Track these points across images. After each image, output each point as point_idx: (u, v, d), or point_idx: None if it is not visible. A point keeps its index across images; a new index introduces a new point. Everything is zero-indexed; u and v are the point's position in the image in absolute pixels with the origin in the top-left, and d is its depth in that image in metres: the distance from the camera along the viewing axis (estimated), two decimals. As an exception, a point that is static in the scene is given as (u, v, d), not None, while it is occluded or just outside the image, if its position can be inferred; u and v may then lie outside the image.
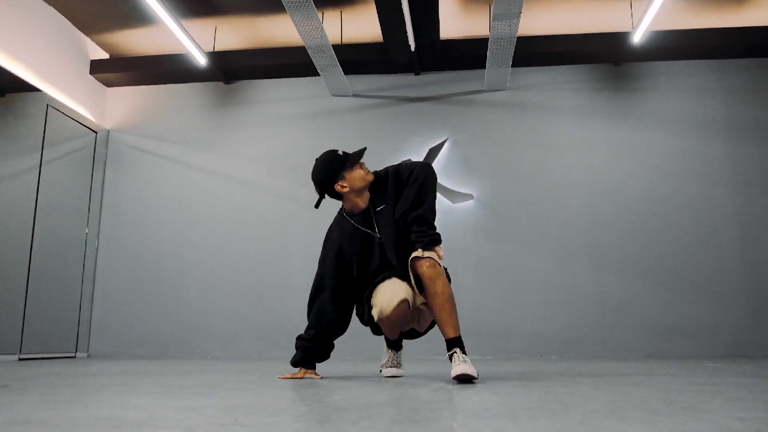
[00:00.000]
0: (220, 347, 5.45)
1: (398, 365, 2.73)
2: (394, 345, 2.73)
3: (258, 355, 5.35)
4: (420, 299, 2.38)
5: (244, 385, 2.01)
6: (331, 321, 2.52)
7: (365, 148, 2.53)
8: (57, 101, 5.32)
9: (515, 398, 1.53)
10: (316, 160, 2.56)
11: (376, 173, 2.55)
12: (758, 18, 5.34)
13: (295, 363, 2.54)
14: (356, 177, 2.47)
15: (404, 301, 2.31)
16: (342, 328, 2.56)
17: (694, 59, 5.61)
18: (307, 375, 2.51)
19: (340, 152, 2.51)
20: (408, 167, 2.46)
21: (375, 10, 4.90)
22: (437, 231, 2.35)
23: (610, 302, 5.25)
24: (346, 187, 2.48)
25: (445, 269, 2.39)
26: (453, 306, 2.28)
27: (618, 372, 2.86)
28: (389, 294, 2.32)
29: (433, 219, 2.36)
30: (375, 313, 2.35)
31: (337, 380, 2.38)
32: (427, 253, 2.29)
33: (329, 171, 2.48)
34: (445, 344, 2.25)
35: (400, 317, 2.36)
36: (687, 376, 2.48)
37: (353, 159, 2.48)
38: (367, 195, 2.52)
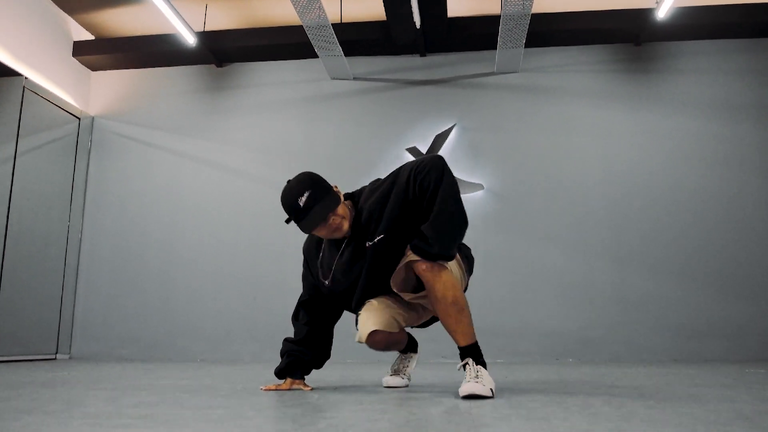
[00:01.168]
0: (211, 348, 5.07)
1: (402, 372, 2.35)
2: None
3: (251, 358, 4.97)
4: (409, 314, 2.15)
5: (214, 404, 1.64)
6: (323, 317, 2.14)
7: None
8: (35, 84, 4.95)
9: (554, 424, 1.14)
10: (289, 182, 2.05)
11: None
12: (793, -8, 4.92)
13: (279, 372, 2.16)
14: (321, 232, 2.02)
15: (375, 332, 2.01)
16: (334, 320, 2.26)
17: (721, 38, 5.19)
18: (295, 386, 2.13)
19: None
20: (408, 172, 1.91)
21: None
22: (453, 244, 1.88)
23: (632, 299, 4.84)
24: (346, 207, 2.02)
25: (466, 258, 2.04)
26: (460, 310, 1.88)
27: (656, 380, 2.47)
28: (362, 322, 2.05)
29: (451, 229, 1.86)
30: (357, 338, 2.08)
31: (329, 393, 2.00)
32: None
33: (321, 181, 2.03)
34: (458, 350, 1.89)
35: (379, 345, 2.09)
36: (743, 385, 2.08)
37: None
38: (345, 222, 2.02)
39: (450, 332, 1.91)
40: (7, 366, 3.86)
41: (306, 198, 1.92)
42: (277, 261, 5.18)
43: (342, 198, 2.03)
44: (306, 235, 2.24)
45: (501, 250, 5.01)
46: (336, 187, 2.06)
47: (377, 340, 2.05)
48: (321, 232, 2.00)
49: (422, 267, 1.85)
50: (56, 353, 5.08)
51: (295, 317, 2.25)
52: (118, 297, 5.29)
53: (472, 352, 1.87)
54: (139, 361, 4.79)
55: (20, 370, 3.35)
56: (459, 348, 1.90)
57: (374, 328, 2.00)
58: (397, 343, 2.27)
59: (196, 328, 5.15)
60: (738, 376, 2.72)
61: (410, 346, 2.46)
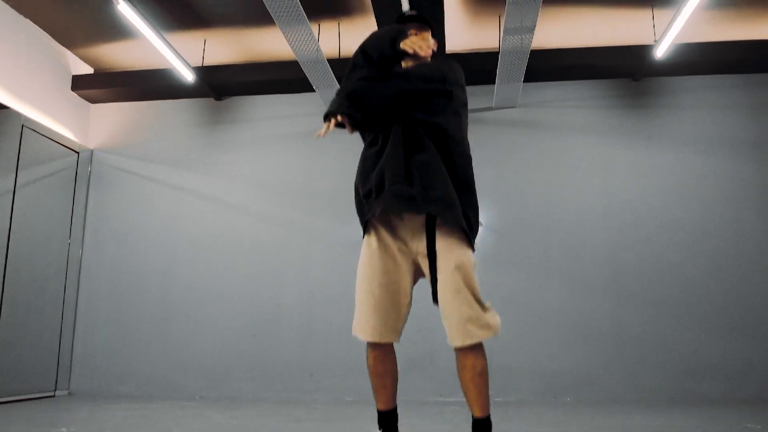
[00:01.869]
0: (209, 386, 5.07)
1: None
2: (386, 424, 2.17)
3: (250, 395, 4.97)
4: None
5: None
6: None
7: (411, 15, 2.25)
8: (33, 121, 4.96)
9: None
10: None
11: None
12: (792, 29, 4.92)
13: (325, 115, 2.07)
14: (405, 43, 2.04)
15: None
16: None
17: (720, 74, 5.19)
18: (339, 122, 2.03)
19: (403, 16, 2.27)
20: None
21: (374, 21, 4.53)
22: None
23: (631, 338, 4.84)
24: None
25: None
26: (485, 381, 1.98)
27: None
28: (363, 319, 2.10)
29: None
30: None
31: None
32: (468, 340, 1.97)
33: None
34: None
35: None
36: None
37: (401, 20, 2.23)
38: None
39: (468, 399, 1.98)
40: (7, 407, 3.85)
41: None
42: (275, 297, 5.19)
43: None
44: None
45: (499, 287, 5.00)
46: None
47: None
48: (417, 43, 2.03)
49: (466, 358, 1.96)
50: (55, 390, 5.08)
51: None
52: (117, 332, 5.29)
53: (485, 427, 1.94)
54: (135, 398, 4.79)
55: (21, 413, 3.34)
56: (474, 418, 1.96)
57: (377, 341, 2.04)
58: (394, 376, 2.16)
59: (195, 364, 5.15)
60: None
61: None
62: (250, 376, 5.06)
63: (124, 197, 5.57)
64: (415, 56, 2.03)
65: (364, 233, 2.16)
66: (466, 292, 1.98)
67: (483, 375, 1.98)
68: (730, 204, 4.98)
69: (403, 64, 2.19)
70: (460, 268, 1.99)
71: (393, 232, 2.10)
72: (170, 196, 5.52)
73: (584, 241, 5.03)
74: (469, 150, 2.15)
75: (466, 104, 2.22)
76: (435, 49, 2.16)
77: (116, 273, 5.42)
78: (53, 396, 5.01)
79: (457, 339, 1.97)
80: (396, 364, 2.15)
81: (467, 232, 2.05)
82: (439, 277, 2.00)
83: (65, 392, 5.18)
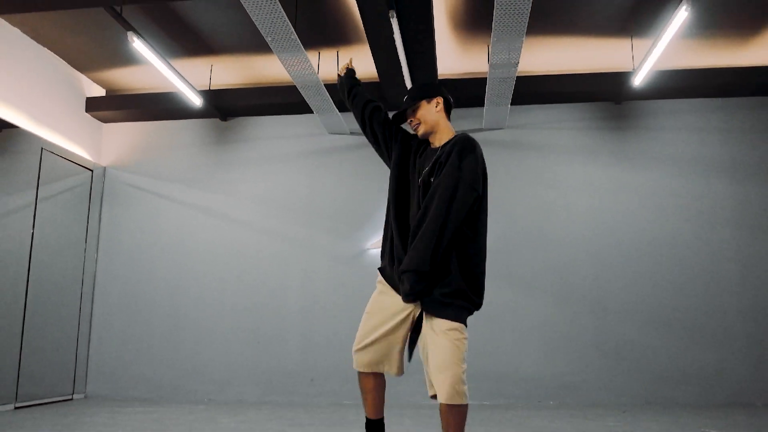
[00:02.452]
0: (217, 390, 5.43)
1: None
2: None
3: (255, 399, 5.32)
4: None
5: None
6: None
7: (397, 112, 2.38)
8: (51, 144, 5.29)
9: None
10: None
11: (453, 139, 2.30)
12: (761, 57, 5.24)
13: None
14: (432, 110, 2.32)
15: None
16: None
17: (697, 98, 5.52)
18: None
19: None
20: (451, 163, 2.13)
21: (369, 50, 4.83)
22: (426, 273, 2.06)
23: (610, 347, 5.19)
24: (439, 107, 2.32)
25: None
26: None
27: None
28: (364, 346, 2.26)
29: (414, 265, 2.04)
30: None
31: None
32: (449, 400, 2.07)
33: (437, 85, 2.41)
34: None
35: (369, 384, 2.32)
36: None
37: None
38: (435, 140, 2.32)
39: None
40: (30, 410, 4.20)
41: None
42: (278, 307, 5.53)
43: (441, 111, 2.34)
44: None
45: (488, 298, 5.32)
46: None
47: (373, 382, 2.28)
48: (409, 120, 2.36)
49: (445, 413, 2.09)
50: (72, 394, 5.43)
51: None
52: (129, 340, 5.64)
53: None
54: (146, 401, 5.14)
55: (58, 416, 3.68)
56: None
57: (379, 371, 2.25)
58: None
59: (203, 370, 5.50)
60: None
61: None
62: (255, 381, 5.41)
63: (135, 212, 5.91)
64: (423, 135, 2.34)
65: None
66: None
67: None
68: (705, 221, 5.31)
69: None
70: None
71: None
72: (178, 211, 5.86)
73: (567, 256, 5.37)
74: None
75: None
76: (437, 108, 2.33)
77: (128, 284, 5.76)
78: (71, 399, 5.36)
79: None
80: (383, 383, 2.36)
81: None
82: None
83: (82, 396, 5.53)
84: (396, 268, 2.20)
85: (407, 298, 2.13)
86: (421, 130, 2.33)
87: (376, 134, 2.49)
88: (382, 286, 2.29)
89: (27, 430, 3.59)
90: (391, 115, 2.45)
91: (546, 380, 5.16)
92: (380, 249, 2.35)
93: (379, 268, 2.33)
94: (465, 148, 2.17)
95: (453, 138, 2.28)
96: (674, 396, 5.02)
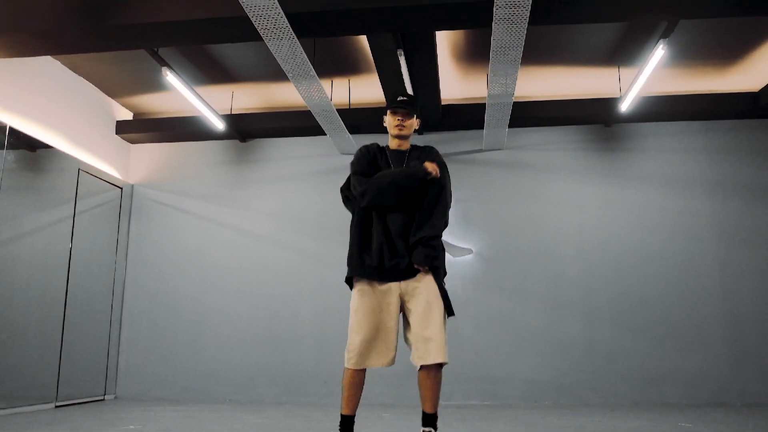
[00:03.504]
0: (237, 391, 5.87)
1: None
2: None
3: (272, 400, 5.76)
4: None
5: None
6: None
7: (402, 100, 2.72)
8: (86, 164, 5.78)
9: None
10: None
11: (414, 145, 2.82)
12: (740, 84, 5.69)
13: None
14: (388, 122, 2.78)
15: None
16: None
17: (681, 120, 5.97)
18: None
19: (398, 98, 2.76)
20: (441, 163, 2.69)
21: (378, 78, 5.28)
22: (439, 238, 2.62)
23: (600, 351, 5.61)
24: (385, 124, 2.81)
25: (445, 292, 2.60)
26: (439, 387, 2.56)
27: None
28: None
29: (436, 232, 2.59)
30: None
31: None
32: (431, 359, 2.49)
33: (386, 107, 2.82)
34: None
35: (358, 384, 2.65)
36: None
37: (388, 105, 2.79)
38: (403, 144, 2.77)
39: (422, 398, 2.56)
40: (69, 408, 4.64)
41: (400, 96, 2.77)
42: (293, 315, 5.98)
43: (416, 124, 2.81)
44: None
45: (488, 306, 5.78)
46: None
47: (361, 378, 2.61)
48: (390, 120, 2.74)
49: (426, 377, 2.52)
50: (104, 394, 5.88)
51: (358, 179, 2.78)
52: (155, 345, 6.10)
53: (433, 421, 2.56)
54: (173, 401, 5.59)
55: (94, 414, 4.12)
56: (424, 413, 2.56)
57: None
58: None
59: (223, 373, 5.95)
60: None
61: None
62: (272, 383, 5.85)
63: (160, 226, 6.38)
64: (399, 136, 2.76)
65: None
66: None
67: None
68: (688, 236, 5.74)
69: (391, 139, 2.80)
70: None
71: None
72: (200, 225, 6.33)
73: (560, 267, 5.81)
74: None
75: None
76: (417, 128, 2.87)
77: (154, 293, 6.23)
78: (103, 400, 5.82)
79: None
80: (364, 379, 2.70)
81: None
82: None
83: (113, 396, 5.99)
84: (389, 259, 2.59)
85: (428, 261, 2.55)
86: (403, 132, 2.76)
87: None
88: (361, 289, 2.62)
89: (72, 425, 4.03)
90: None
91: (541, 382, 5.59)
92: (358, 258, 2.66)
93: (355, 274, 2.64)
94: (438, 154, 2.78)
95: (414, 145, 2.82)
96: (659, 397, 5.44)
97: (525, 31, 3.88)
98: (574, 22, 4.11)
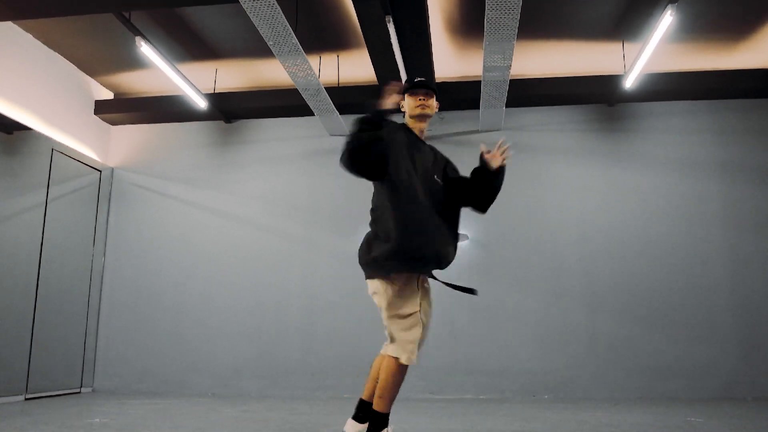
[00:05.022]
0: (221, 384, 5.58)
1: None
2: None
3: (257, 393, 5.47)
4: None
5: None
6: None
7: (421, 80, 2.62)
8: (61, 144, 5.48)
9: None
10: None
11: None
12: (750, 61, 5.39)
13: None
14: (407, 104, 2.63)
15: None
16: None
17: (688, 100, 5.66)
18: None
19: (413, 80, 2.66)
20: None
21: (368, 54, 4.99)
22: None
23: (603, 342, 5.32)
24: (403, 108, 2.65)
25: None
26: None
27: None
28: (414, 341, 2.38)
29: None
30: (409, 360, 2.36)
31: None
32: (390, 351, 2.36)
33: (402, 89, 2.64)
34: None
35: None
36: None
37: (406, 87, 2.65)
38: (423, 129, 2.65)
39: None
40: (40, 401, 4.36)
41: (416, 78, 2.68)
42: (280, 304, 5.69)
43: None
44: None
45: (484, 295, 5.48)
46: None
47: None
48: (410, 102, 2.59)
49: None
50: (81, 387, 5.59)
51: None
52: (135, 336, 5.81)
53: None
54: (152, 394, 5.30)
55: (65, 406, 3.84)
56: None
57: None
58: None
59: (207, 365, 5.66)
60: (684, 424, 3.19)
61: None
62: (258, 376, 5.57)
63: (141, 211, 6.09)
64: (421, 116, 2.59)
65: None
66: None
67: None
68: (696, 221, 5.45)
69: (411, 122, 2.62)
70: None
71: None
72: (183, 210, 6.04)
73: (561, 254, 5.51)
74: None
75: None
76: (437, 110, 2.68)
77: (135, 281, 5.94)
78: (79, 392, 5.53)
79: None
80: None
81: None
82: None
83: (89, 389, 5.70)
84: (438, 238, 2.43)
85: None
86: (425, 112, 2.59)
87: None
88: (405, 278, 2.41)
89: (36, 418, 3.74)
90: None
91: (540, 375, 5.29)
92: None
93: (406, 260, 2.38)
94: None
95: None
96: (665, 390, 5.14)
97: (521, 1, 3.58)
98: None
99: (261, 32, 4.19)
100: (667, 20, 4.15)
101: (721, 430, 3.27)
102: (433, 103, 2.63)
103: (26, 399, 4.88)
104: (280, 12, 3.86)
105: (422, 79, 2.67)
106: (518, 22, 4.04)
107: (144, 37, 4.51)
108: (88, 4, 3.88)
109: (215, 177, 6.08)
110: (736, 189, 5.46)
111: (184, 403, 4.75)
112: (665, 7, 4.13)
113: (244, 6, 3.73)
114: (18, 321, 4.95)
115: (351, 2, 4.25)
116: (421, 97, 2.60)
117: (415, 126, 2.64)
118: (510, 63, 4.64)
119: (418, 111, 2.59)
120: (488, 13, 3.90)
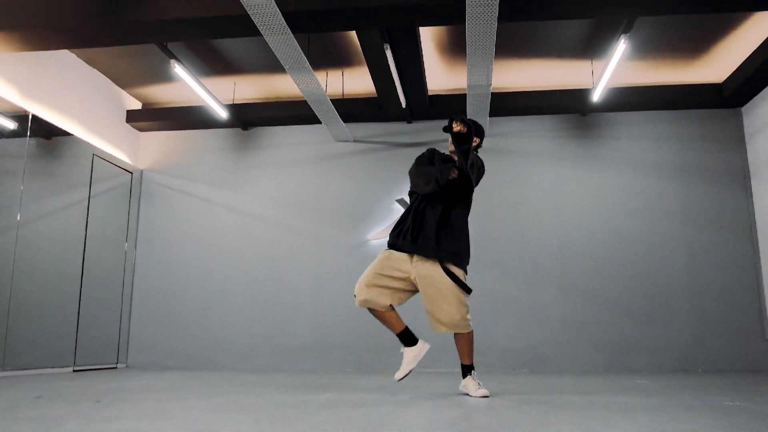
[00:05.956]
0: (240, 360, 6.36)
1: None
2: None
3: (272, 368, 6.25)
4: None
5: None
6: None
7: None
8: (100, 150, 6.25)
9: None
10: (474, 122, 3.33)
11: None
12: (704, 76, 6.13)
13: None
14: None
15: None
16: None
17: (650, 110, 6.42)
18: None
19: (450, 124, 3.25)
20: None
21: (368, 71, 5.71)
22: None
23: (575, 323, 6.08)
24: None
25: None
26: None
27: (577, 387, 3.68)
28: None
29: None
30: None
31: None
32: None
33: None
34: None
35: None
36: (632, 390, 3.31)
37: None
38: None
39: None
40: (86, 373, 5.13)
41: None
42: (292, 291, 6.46)
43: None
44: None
45: (472, 282, 6.22)
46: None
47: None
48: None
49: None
50: (117, 363, 6.37)
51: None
52: (164, 318, 6.59)
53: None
54: (183, 369, 6.08)
55: (109, 377, 4.60)
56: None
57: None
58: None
59: (227, 344, 6.43)
60: (636, 389, 3.95)
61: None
62: (272, 353, 6.34)
63: (168, 209, 6.86)
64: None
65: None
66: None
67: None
68: (657, 217, 6.20)
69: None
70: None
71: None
72: (205, 207, 6.81)
73: (538, 246, 6.27)
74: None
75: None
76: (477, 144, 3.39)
77: (163, 270, 6.71)
78: (115, 367, 6.31)
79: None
80: (392, 315, 3.37)
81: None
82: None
83: (124, 365, 6.48)
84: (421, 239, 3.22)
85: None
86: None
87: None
88: (392, 253, 3.27)
89: (85, 387, 4.52)
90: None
91: (520, 351, 6.06)
92: (394, 232, 3.34)
93: (393, 244, 3.30)
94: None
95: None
96: (629, 364, 5.90)
97: (495, 27, 4.32)
98: (539, 19, 4.56)
99: (277, 55, 4.93)
100: (621, 47, 4.90)
101: (660, 386, 4.03)
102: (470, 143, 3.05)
103: (74, 371, 5.65)
104: (296, 43, 4.60)
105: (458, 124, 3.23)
106: (495, 46, 4.76)
107: (177, 60, 5.27)
108: (137, 36, 4.63)
109: (233, 178, 6.85)
110: (692, 188, 6.21)
111: (210, 375, 5.53)
112: (619, 36, 4.88)
113: (267, 39, 4.48)
114: (66, 303, 5.73)
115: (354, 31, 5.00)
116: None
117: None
118: (490, 81, 5.38)
119: (452, 148, 3.29)
120: (469, 37, 4.59)
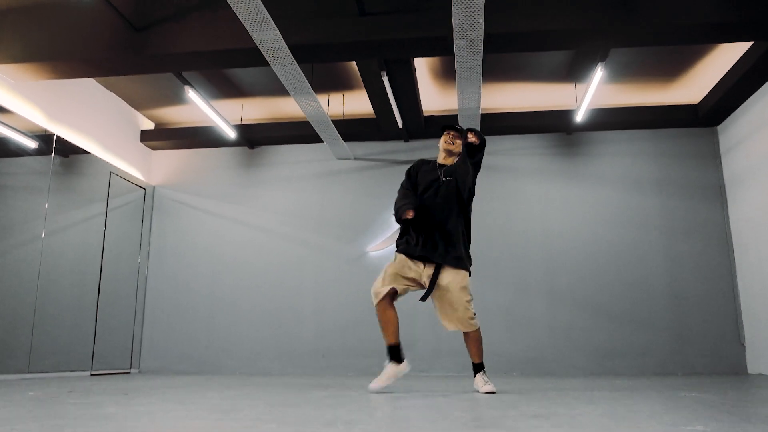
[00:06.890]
0: (246, 365, 6.75)
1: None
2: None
3: (276, 372, 6.63)
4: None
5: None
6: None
7: (449, 126, 3.59)
8: (117, 168, 6.69)
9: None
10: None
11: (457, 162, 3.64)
12: (681, 97, 6.57)
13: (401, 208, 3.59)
14: (441, 140, 3.65)
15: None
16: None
17: (631, 129, 6.85)
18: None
19: (455, 125, 3.65)
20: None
21: (366, 94, 6.16)
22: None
23: (561, 328, 6.47)
24: (439, 145, 3.66)
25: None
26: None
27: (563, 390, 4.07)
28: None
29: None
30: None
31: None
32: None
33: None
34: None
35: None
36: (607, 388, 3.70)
37: (443, 128, 3.63)
38: (449, 159, 3.62)
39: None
40: (104, 377, 5.52)
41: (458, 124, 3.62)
42: (295, 298, 6.86)
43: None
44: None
45: (464, 290, 6.64)
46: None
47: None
48: (441, 141, 3.64)
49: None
50: (130, 368, 6.76)
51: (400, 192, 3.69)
52: (175, 326, 6.99)
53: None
54: (193, 374, 6.46)
55: (126, 380, 4.99)
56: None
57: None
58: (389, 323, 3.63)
59: (234, 349, 6.82)
60: (609, 386, 4.33)
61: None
62: (277, 358, 6.73)
63: (178, 223, 7.29)
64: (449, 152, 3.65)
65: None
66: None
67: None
68: (638, 228, 6.61)
69: (442, 157, 3.71)
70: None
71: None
72: (214, 221, 7.23)
73: (527, 256, 6.68)
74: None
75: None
76: (461, 148, 3.58)
77: (174, 280, 7.12)
78: (129, 372, 6.69)
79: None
80: (394, 321, 3.64)
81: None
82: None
83: (137, 370, 6.87)
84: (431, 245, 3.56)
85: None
86: (453, 149, 3.66)
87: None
88: (403, 258, 3.58)
89: (109, 386, 4.91)
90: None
91: (509, 355, 6.44)
92: (403, 239, 3.67)
93: (404, 251, 3.60)
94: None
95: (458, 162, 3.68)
96: (612, 368, 6.28)
97: (481, 59, 4.77)
98: (520, 51, 5.01)
99: (283, 82, 5.37)
100: (599, 73, 5.35)
101: (633, 385, 4.41)
102: (460, 143, 3.50)
103: (92, 374, 6.04)
104: (300, 72, 5.04)
105: (456, 125, 3.61)
106: (483, 72, 5.21)
107: (191, 86, 5.72)
108: (157, 66, 5.08)
109: (241, 194, 7.28)
110: (671, 202, 6.63)
111: (219, 378, 5.91)
112: (597, 63, 5.33)
113: (274, 69, 4.92)
114: (84, 312, 6.13)
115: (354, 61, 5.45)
116: (455, 140, 3.59)
117: (445, 159, 3.64)
118: (479, 104, 5.83)
119: (446, 146, 3.62)
120: (458, 66, 5.03)
